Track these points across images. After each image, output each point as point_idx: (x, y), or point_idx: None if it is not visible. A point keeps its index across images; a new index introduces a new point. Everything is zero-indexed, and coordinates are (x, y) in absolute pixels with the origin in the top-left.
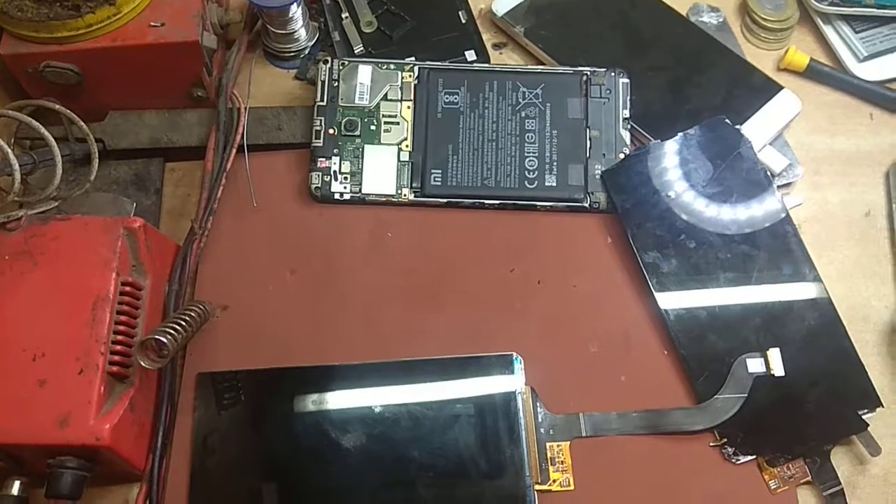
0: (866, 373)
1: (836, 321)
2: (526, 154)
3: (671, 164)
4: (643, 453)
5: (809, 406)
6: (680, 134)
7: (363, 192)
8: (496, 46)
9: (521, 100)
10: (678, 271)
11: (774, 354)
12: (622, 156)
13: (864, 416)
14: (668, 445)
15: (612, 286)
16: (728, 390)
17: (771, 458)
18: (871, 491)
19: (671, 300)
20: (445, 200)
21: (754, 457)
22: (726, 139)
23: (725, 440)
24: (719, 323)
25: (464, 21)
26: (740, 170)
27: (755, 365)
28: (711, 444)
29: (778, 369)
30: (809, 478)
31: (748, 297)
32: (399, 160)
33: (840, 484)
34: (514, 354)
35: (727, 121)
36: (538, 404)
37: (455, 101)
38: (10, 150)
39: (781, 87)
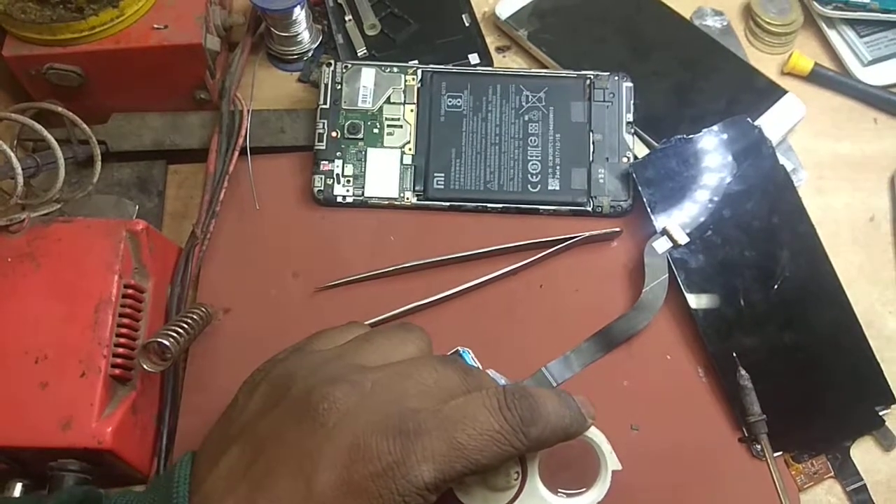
0: (882, 370)
1: (852, 317)
2: (529, 158)
3: (696, 160)
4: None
5: (830, 403)
6: (704, 130)
7: (366, 195)
8: (499, 50)
9: (524, 103)
10: (705, 267)
11: (672, 225)
12: (625, 160)
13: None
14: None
15: (614, 290)
16: (650, 281)
17: (796, 454)
18: (876, 499)
19: (699, 298)
20: (448, 204)
21: (781, 453)
22: (748, 137)
23: (754, 437)
24: (745, 320)
25: (467, 24)
26: (762, 168)
27: (662, 244)
28: (739, 439)
29: (681, 237)
30: (832, 474)
31: (770, 294)
32: (402, 163)
33: (862, 479)
34: None
35: (748, 119)
36: None
37: (458, 104)
38: (12, 153)
39: (785, 92)
